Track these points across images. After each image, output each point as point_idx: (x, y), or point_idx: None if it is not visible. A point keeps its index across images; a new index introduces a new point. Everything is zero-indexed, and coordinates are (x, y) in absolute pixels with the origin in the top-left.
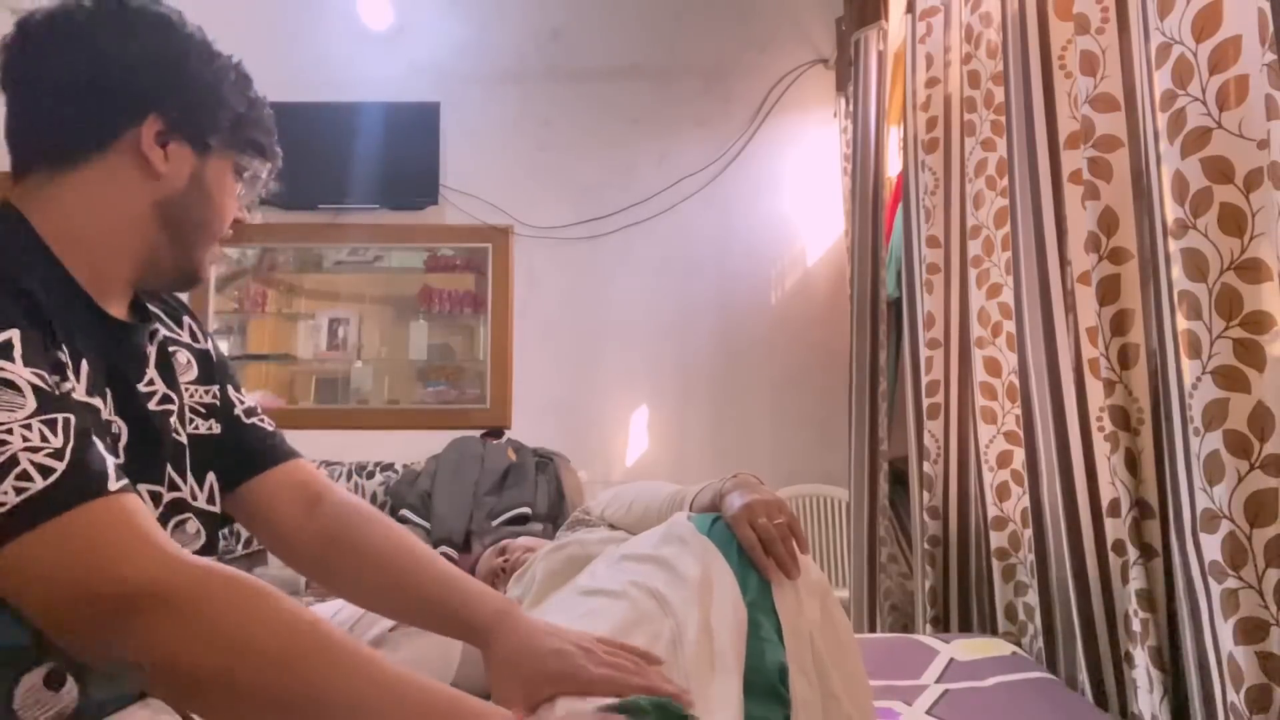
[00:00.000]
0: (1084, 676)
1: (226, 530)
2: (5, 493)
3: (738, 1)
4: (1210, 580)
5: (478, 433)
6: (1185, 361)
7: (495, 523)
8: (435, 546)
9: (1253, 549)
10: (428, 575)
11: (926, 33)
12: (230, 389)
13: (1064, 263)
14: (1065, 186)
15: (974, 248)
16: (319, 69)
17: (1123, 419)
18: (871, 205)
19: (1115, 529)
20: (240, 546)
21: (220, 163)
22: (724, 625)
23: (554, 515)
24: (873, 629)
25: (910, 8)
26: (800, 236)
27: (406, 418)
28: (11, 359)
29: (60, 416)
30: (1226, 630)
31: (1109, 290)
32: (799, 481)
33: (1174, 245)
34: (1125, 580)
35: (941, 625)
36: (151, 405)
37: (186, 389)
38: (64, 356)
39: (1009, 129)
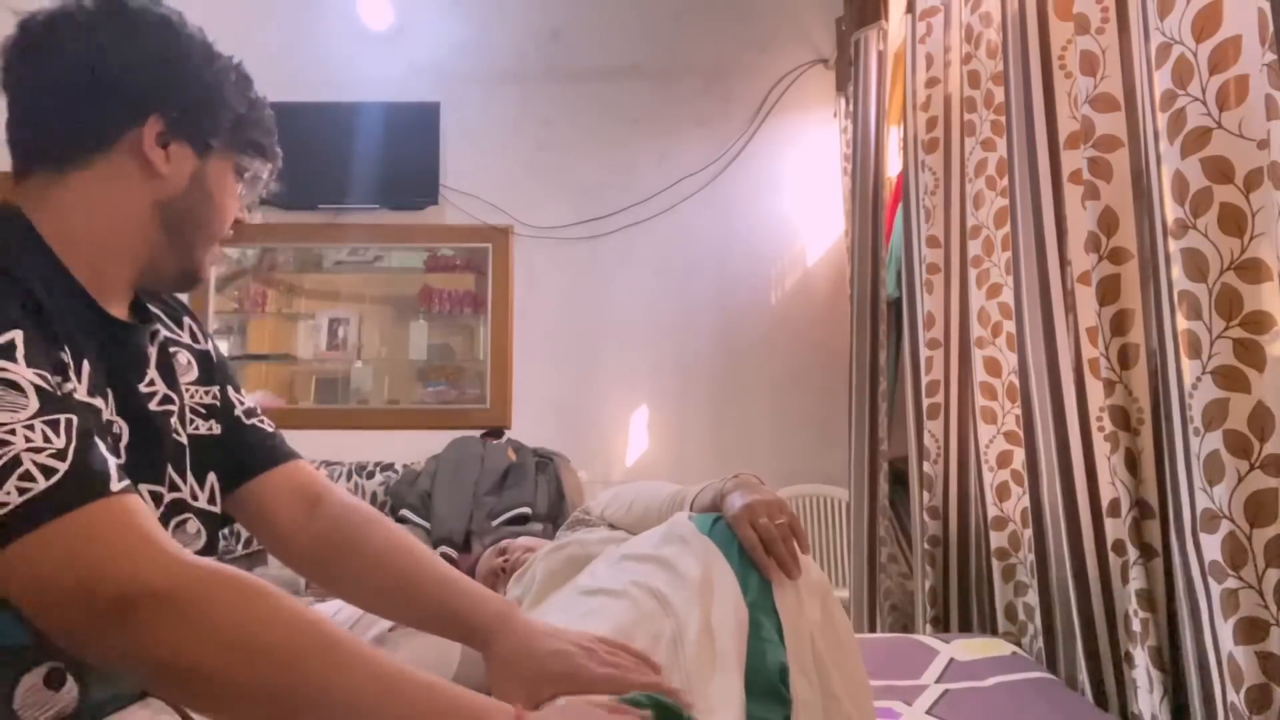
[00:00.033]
0: (1084, 676)
1: (226, 530)
2: (8, 493)
3: (738, 1)
4: (1210, 580)
5: (478, 433)
6: (1185, 361)
7: (495, 523)
8: (435, 546)
9: (1253, 549)
10: (428, 577)
11: (926, 33)
12: (230, 390)
13: (1064, 263)
14: (1065, 186)
15: (974, 248)
16: (319, 69)
17: (1123, 419)
18: (871, 205)
19: (1115, 529)
20: (240, 546)
21: (221, 163)
22: (725, 625)
23: (554, 515)
24: (873, 629)
25: (910, 8)
26: (800, 236)
27: (406, 418)
28: (14, 359)
29: (62, 417)
30: (1226, 630)
31: (1109, 290)
32: (799, 481)
33: (1174, 245)
34: (1125, 580)
35: (941, 625)
36: (152, 405)
37: (187, 389)
38: (66, 357)
39: (1009, 129)
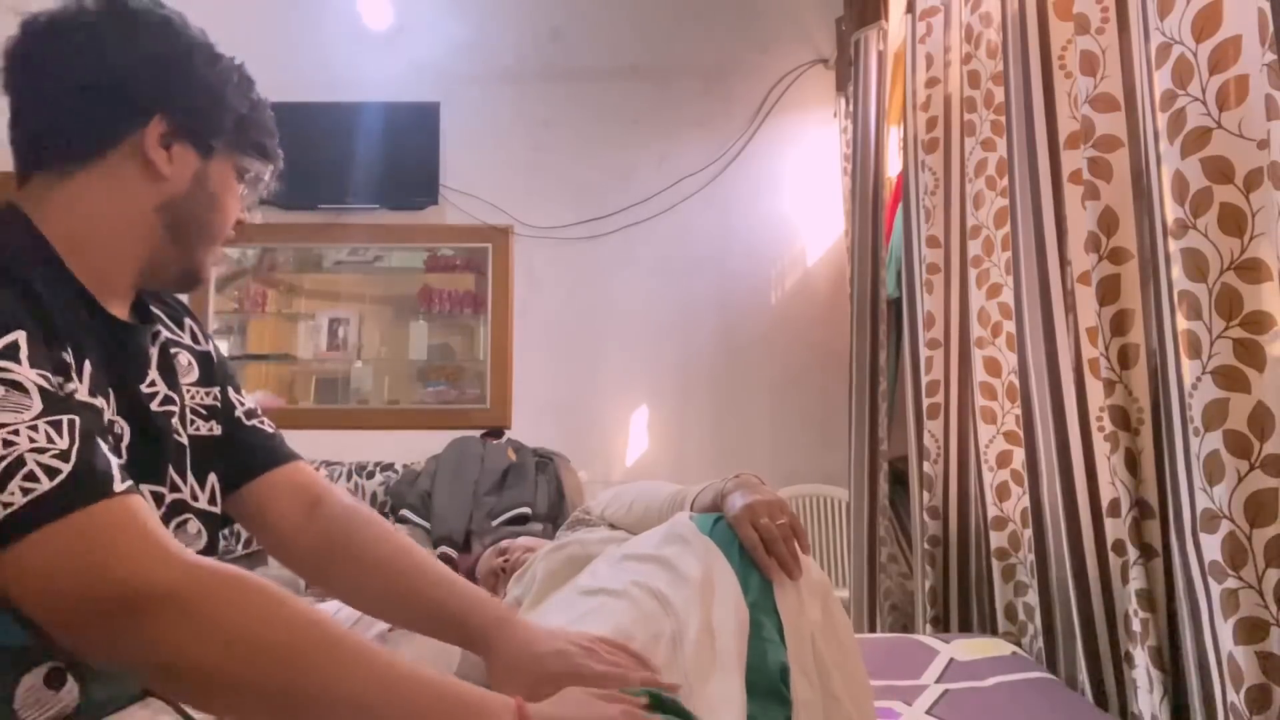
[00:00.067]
0: (1084, 676)
1: (226, 531)
2: (12, 493)
3: (738, 2)
4: (1210, 580)
5: (478, 433)
6: (1185, 361)
7: (495, 523)
8: (435, 546)
9: (1253, 549)
10: (427, 581)
11: (926, 33)
12: (231, 391)
13: (1064, 263)
14: (1065, 186)
15: (974, 248)
16: (319, 69)
17: (1123, 419)
18: (871, 205)
19: (1115, 529)
20: (240, 547)
21: (223, 164)
22: (725, 626)
23: (554, 515)
24: (873, 629)
25: (910, 8)
26: (800, 236)
27: (406, 418)
28: (18, 360)
29: (65, 418)
30: (1226, 630)
31: (1109, 290)
32: (799, 481)
33: (1174, 245)
34: (1125, 580)
35: (941, 625)
36: (153, 406)
37: (188, 390)
38: (67, 357)
39: (1009, 129)
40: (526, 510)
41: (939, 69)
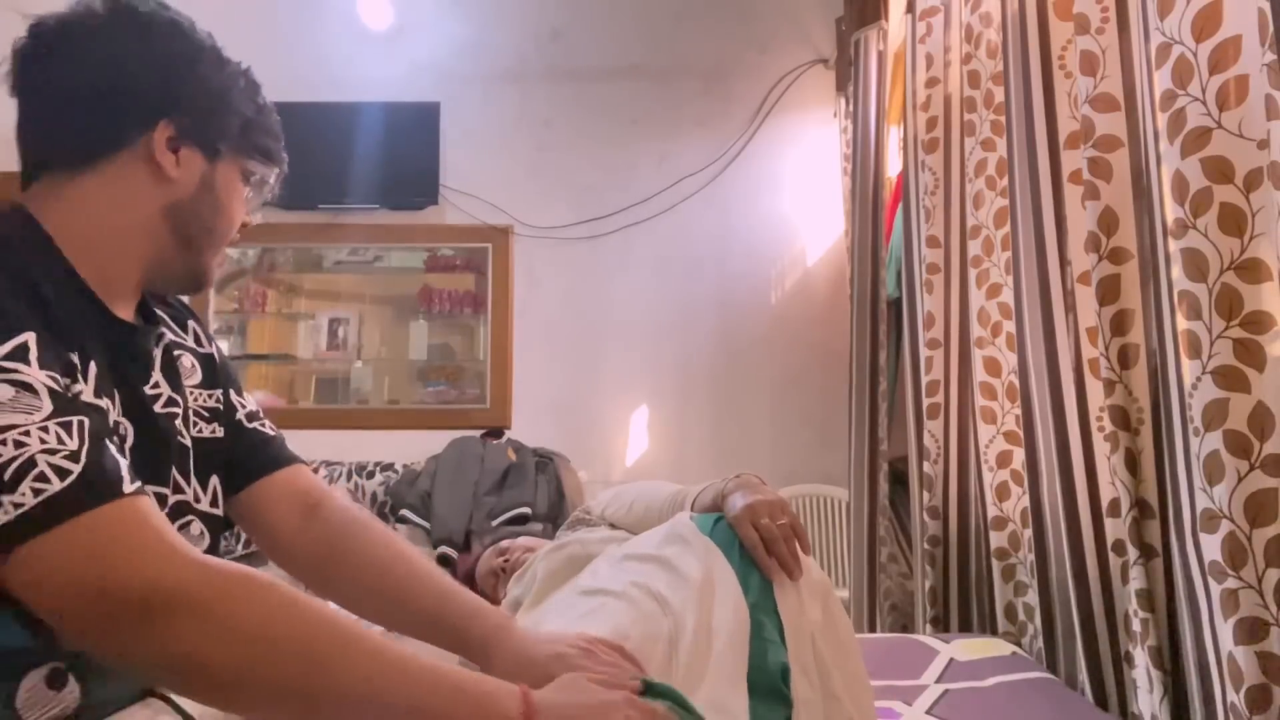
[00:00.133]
0: (1084, 676)
1: (227, 531)
2: (23, 494)
3: (738, 2)
4: (1210, 580)
5: (478, 433)
6: (1185, 361)
7: (495, 523)
8: (435, 546)
9: (1253, 549)
10: (425, 588)
11: (926, 33)
12: (233, 393)
13: (1064, 263)
14: (1065, 186)
15: (974, 248)
16: (319, 69)
17: (1123, 419)
18: (871, 205)
19: (1115, 529)
20: (240, 547)
21: (229, 168)
22: (724, 626)
23: (554, 515)
24: (873, 629)
25: (910, 8)
26: (800, 236)
27: (406, 418)
28: (27, 362)
29: (75, 419)
30: (1226, 630)
31: (1109, 290)
32: (799, 481)
33: (1174, 245)
34: (1125, 580)
35: (941, 625)
36: (157, 408)
37: (191, 392)
38: (74, 358)
39: (1009, 129)
40: (526, 510)
41: (939, 69)
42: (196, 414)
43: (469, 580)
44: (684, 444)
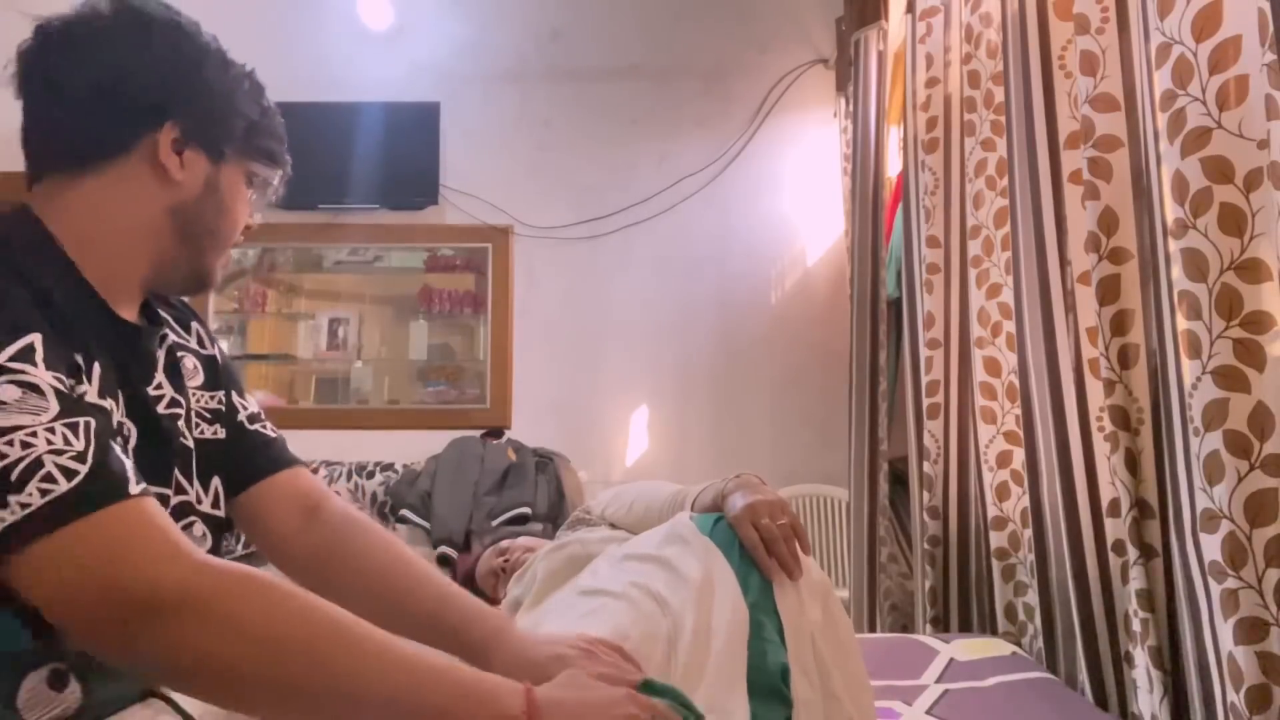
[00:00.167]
0: (1084, 676)
1: (228, 532)
2: (30, 494)
3: (738, 2)
4: (1210, 580)
5: (478, 433)
6: (1185, 361)
7: (495, 523)
8: (435, 546)
9: (1253, 549)
10: (425, 592)
11: (926, 33)
12: (235, 395)
13: (1064, 263)
14: (1065, 186)
15: (974, 248)
16: (319, 69)
17: (1123, 419)
18: (871, 205)
19: (1115, 529)
20: (240, 547)
21: (234, 170)
22: (723, 627)
23: (554, 515)
24: (873, 629)
25: (910, 8)
26: (800, 236)
27: (406, 418)
28: (34, 363)
29: (81, 420)
30: (1226, 630)
31: (1109, 290)
32: (799, 481)
33: (1174, 245)
34: (1125, 580)
35: (941, 625)
36: (160, 409)
37: (193, 394)
38: (79, 359)
39: (1009, 129)
40: (526, 510)
41: (939, 69)
42: (199, 415)
43: (469, 580)
44: (684, 444)
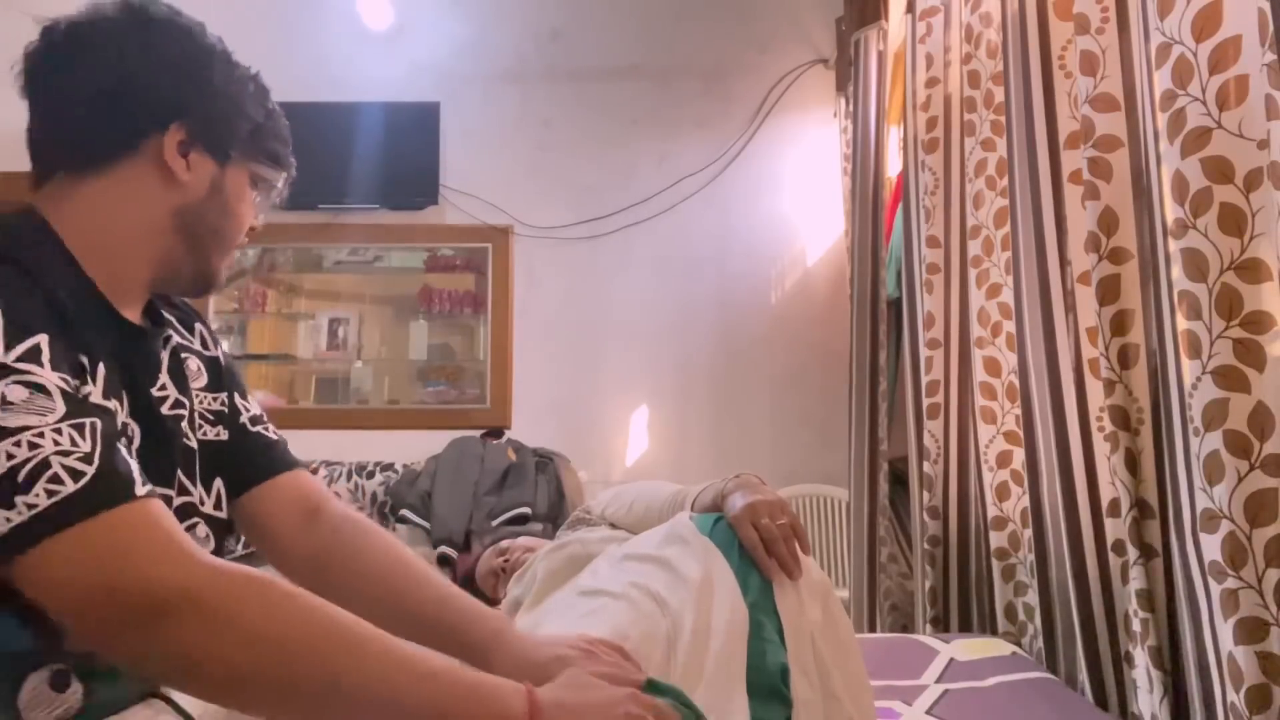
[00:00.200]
0: (1084, 676)
1: (230, 534)
2: (37, 495)
3: (738, 1)
4: (1210, 580)
5: (478, 433)
6: (1185, 361)
7: (495, 523)
8: (435, 547)
9: (1253, 549)
10: (425, 594)
11: (926, 33)
12: (237, 397)
13: (1064, 263)
14: (1065, 186)
15: (974, 248)
16: (319, 69)
17: (1123, 419)
18: (871, 205)
19: (1115, 529)
20: (240, 547)
21: (239, 172)
22: (722, 627)
23: (554, 515)
24: (873, 629)
25: (910, 8)
26: (800, 236)
27: (406, 418)
28: (40, 364)
29: (88, 421)
30: (1226, 630)
31: (1109, 290)
32: (799, 481)
33: (1174, 245)
34: (1125, 580)
35: (941, 625)
36: (164, 410)
37: (197, 395)
38: (84, 360)
39: (1009, 129)
40: (526, 510)
41: (939, 69)
42: (202, 417)
43: (469, 580)
44: (684, 444)
